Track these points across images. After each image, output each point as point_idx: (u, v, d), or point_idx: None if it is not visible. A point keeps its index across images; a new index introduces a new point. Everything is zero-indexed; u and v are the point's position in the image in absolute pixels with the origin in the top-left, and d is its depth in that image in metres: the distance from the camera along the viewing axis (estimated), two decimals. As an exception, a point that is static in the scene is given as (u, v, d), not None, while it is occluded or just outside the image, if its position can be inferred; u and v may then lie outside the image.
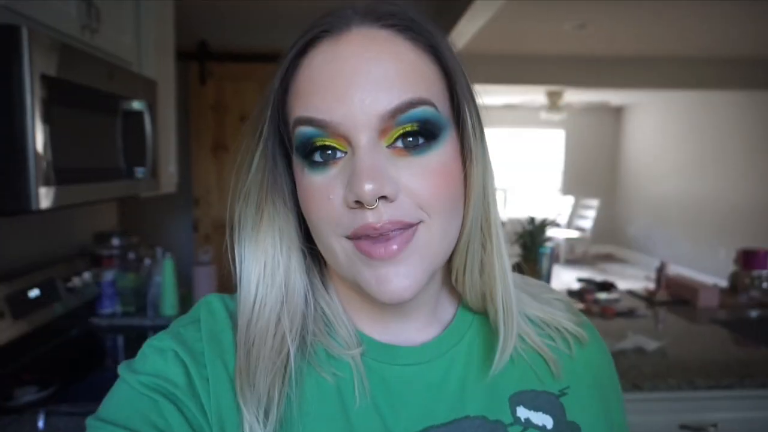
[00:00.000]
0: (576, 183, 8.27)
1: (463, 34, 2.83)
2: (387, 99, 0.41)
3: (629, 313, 2.01)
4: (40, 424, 1.11)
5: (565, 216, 7.87)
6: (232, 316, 0.48)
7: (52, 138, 1.13)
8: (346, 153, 0.43)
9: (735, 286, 2.28)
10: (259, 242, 0.47)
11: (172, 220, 3.40)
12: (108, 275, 1.92)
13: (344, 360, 0.48)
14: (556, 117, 6.10)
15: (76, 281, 1.75)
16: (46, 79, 1.11)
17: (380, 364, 0.49)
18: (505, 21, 3.39)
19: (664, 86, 5.03)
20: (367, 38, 0.43)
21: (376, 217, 0.41)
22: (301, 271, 0.48)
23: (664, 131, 7.22)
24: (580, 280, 2.34)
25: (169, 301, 1.96)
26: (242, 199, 0.47)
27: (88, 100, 1.31)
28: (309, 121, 0.42)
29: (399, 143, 0.43)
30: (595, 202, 7.69)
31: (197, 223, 3.48)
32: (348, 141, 0.42)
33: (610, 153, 8.31)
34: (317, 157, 0.43)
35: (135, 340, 1.86)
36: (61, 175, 1.17)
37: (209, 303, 0.49)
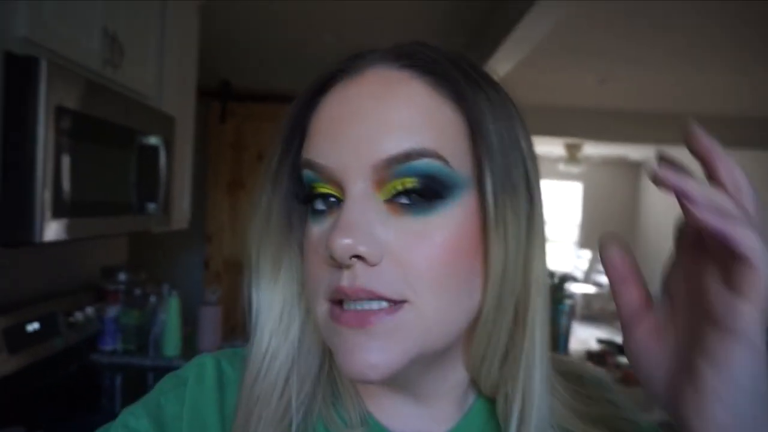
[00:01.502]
0: (593, 237, 8.15)
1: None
2: (385, 146, 0.36)
3: (653, 379, 1.89)
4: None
5: (581, 270, 7.72)
6: (223, 385, 0.44)
7: (63, 170, 1.11)
8: (342, 201, 0.38)
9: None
10: (276, 291, 0.42)
11: (184, 257, 3.37)
12: (111, 311, 1.88)
13: None
14: (574, 170, 6.07)
15: (78, 316, 1.70)
16: (61, 112, 1.09)
17: None
18: (526, 71, 3.40)
19: (682, 143, 4.98)
20: (380, 79, 0.38)
21: (350, 280, 0.35)
22: (317, 328, 0.42)
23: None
24: (600, 341, 2.23)
25: (171, 341, 1.90)
26: (259, 240, 0.43)
27: (104, 134, 1.30)
28: (308, 164, 0.39)
29: (398, 199, 0.37)
30: (613, 257, 7.54)
31: (208, 260, 3.45)
32: (344, 190, 0.37)
33: (628, 208, 8.22)
34: (318, 205, 0.39)
35: (134, 380, 1.79)
36: (69, 208, 1.15)
37: (202, 366, 0.45)
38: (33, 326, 1.48)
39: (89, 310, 1.77)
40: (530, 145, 0.41)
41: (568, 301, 1.93)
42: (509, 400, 0.41)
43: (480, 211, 0.38)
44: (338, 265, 0.36)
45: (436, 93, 0.38)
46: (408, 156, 0.36)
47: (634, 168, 8.19)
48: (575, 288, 7.01)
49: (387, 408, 0.44)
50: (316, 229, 0.39)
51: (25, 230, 1.05)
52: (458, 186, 0.37)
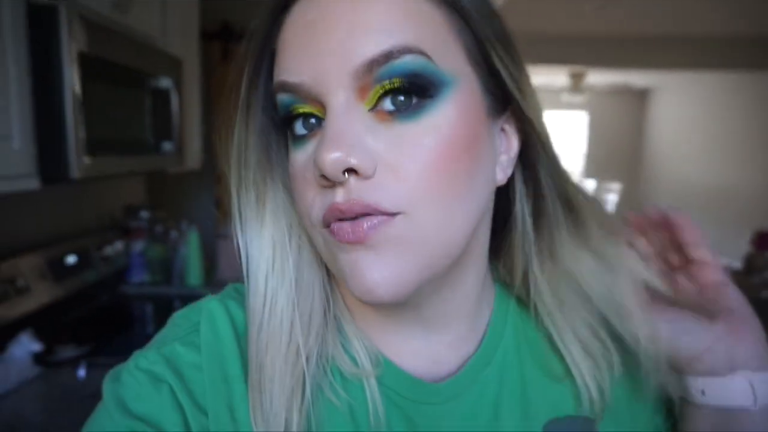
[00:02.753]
0: (598, 166, 8.19)
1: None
2: (360, 49, 0.33)
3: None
4: (81, 373, 1.21)
5: (585, 199, 7.81)
6: (238, 330, 0.41)
7: (87, 111, 1.21)
8: (324, 119, 0.35)
9: (749, 267, 2.29)
10: (264, 233, 0.40)
11: (196, 197, 3.49)
12: (137, 246, 2.02)
13: (357, 383, 0.40)
14: (578, 99, 6.04)
15: (108, 250, 1.85)
16: (81, 56, 1.18)
17: (404, 399, 0.41)
18: (522, 1, 3.37)
19: (689, 67, 4.94)
20: None
21: (345, 195, 0.34)
22: (313, 265, 0.41)
23: (689, 114, 7.09)
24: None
25: (194, 272, 2.05)
26: (238, 181, 0.40)
27: (119, 77, 1.38)
28: (282, 86, 0.36)
29: (384, 105, 0.34)
30: (617, 186, 7.62)
31: (219, 200, 3.57)
32: (325, 107, 0.34)
33: (633, 136, 8.20)
34: (298, 129, 0.37)
35: (162, 308, 1.96)
36: (98, 147, 1.25)
37: (212, 316, 0.41)
38: (71, 259, 1.63)
39: (118, 245, 1.92)
40: (504, 27, 0.39)
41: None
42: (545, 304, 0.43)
43: (474, 108, 0.36)
44: (330, 184, 0.34)
45: None
46: (389, 56, 0.33)
47: (638, 95, 8.11)
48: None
49: (396, 344, 0.42)
50: (300, 155, 0.36)
51: (63, 167, 1.16)
52: (445, 84, 0.34)
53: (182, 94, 1.79)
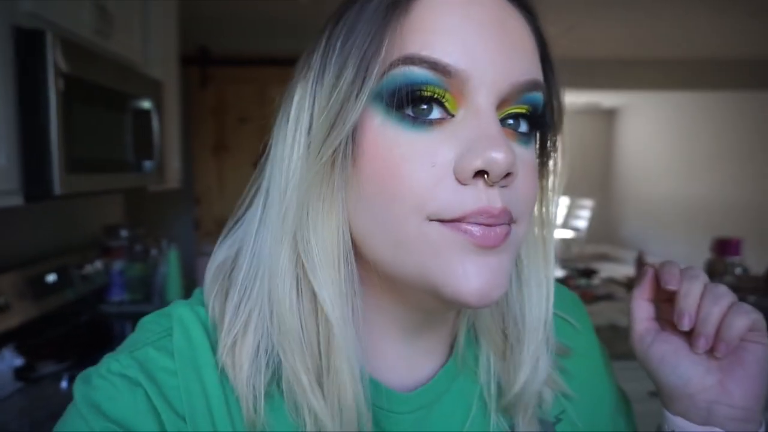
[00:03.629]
0: (570, 183, 8.32)
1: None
2: (520, 69, 0.35)
3: (607, 297, 2.13)
4: (65, 384, 1.23)
5: (560, 217, 7.96)
6: (210, 337, 0.39)
7: (70, 130, 1.26)
8: (453, 116, 0.34)
9: (710, 272, 2.40)
10: (330, 224, 0.37)
11: (175, 218, 3.52)
12: (117, 265, 2.04)
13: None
14: (548, 119, 6.22)
15: (88, 269, 1.87)
16: (65, 78, 1.23)
17: (377, 409, 0.40)
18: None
19: (654, 88, 5.15)
20: (496, 0, 0.36)
21: (494, 199, 0.33)
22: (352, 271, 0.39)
23: (656, 132, 7.36)
24: (564, 267, 2.46)
25: (173, 290, 2.08)
26: (306, 184, 0.36)
27: (102, 98, 1.43)
28: (428, 63, 0.33)
29: (508, 122, 0.36)
30: (589, 203, 7.82)
31: (199, 221, 3.60)
32: (467, 100, 0.34)
33: (603, 154, 8.45)
34: (411, 112, 0.34)
35: (142, 326, 1.97)
36: (80, 164, 1.30)
37: (183, 322, 0.39)
38: (51, 277, 1.65)
39: (98, 264, 1.94)
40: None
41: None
42: (524, 315, 0.43)
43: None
44: (474, 184, 0.33)
45: (531, 29, 0.38)
46: (533, 86, 0.35)
47: (607, 115, 8.39)
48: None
49: (377, 351, 0.41)
50: (418, 136, 0.34)
51: (45, 184, 1.20)
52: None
53: (162, 116, 1.84)
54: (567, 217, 8.05)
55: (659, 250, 6.95)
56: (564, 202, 8.09)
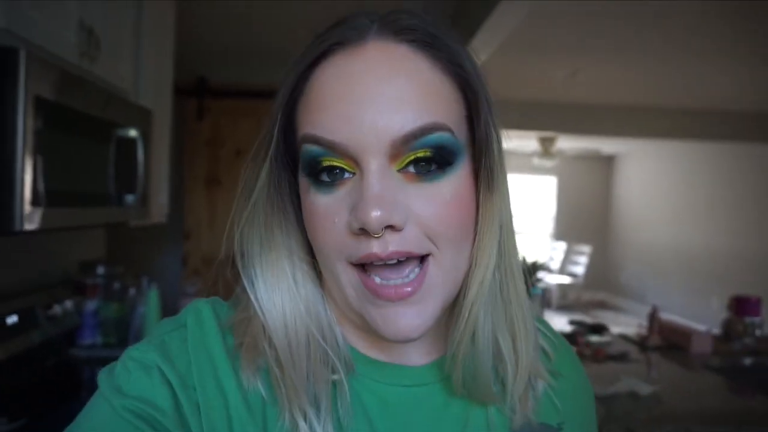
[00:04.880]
0: (568, 229, 8.31)
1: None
2: (401, 123, 0.38)
3: (621, 357, 1.97)
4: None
5: (557, 261, 7.87)
6: (222, 325, 0.45)
7: (41, 160, 1.13)
8: (354, 174, 0.40)
9: (728, 332, 2.25)
10: (272, 261, 0.44)
11: (161, 253, 3.36)
12: (90, 305, 1.88)
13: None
14: (548, 163, 6.18)
15: (56, 309, 1.70)
16: (40, 101, 1.11)
17: (378, 384, 0.46)
18: (498, 66, 3.47)
19: (656, 136, 5.13)
20: (384, 54, 0.40)
21: (382, 247, 0.39)
22: (315, 282, 0.46)
23: (655, 180, 7.32)
24: (572, 322, 2.31)
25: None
26: (244, 219, 0.45)
27: (82, 125, 1.31)
28: (315, 140, 0.40)
29: (411, 168, 0.40)
30: (587, 249, 7.71)
31: (187, 257, 3.44)
32: (356, 163, 0.39)
33: (602, 200, 8.40)
34: (324, 177, 0.41)
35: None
36: (49, 197, 1.16)
37: (198, 310, 0.45)
38: (12, 319, 1.48)
39: (68, 304, 1.77)
40: (491, 103, 0.45)
41: (540, 285, 2.00)
42: (513, 330, 0.47)
43: (472, 170, 0.43)
44: (366, 235, 0.38)
45: (436, 66, 0.41)
46: (423, 131, 0.39)
47: (606, 161, 8.38)
48: (551, 279, 7.15)
49: (375, 345, 0.47)
50: (325, 199, 0.41)
51: (6, 219, 1.06)
52: (460, 152, 0.41)
53: (151, 146, 1.72)
54: (564, 263, 7.92)
55: (658, 299, 6.80)
56: (561, 247, 7.98)
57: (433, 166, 0.40)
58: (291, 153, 0.44)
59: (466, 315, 0.44)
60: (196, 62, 3.24)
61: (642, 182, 7.63)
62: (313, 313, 0.45)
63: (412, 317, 0.40)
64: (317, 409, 0.42)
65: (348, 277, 0.41)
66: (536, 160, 6.27)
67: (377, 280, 0.40)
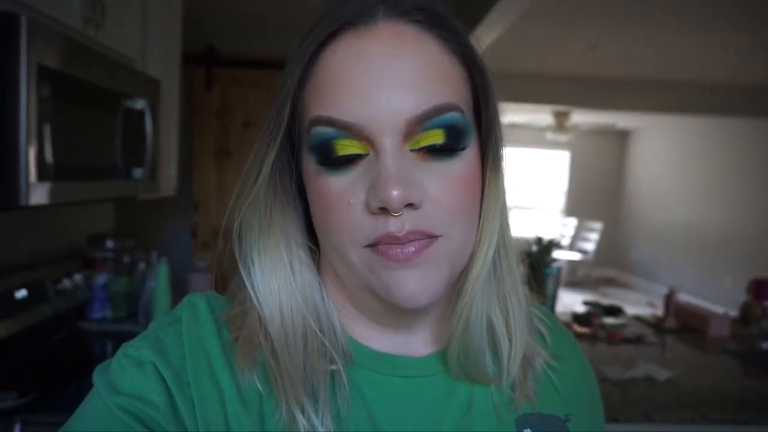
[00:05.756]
0: (579, 205, 8.23)
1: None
2: (415, 103, 0.39)
3: (637, 340, 1.94)
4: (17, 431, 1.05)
5: (567, 238, 7.82)
6: (217, 319, 0.45)
7: (46, 132, 1.08)
8: (367, 155, 0.40)
9: (746, 316, 2.21)
10: (270, 248, 0.44)
11: (171, 225, 3.34)
12: (100, 278, 1.86)
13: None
14: (562, 138, 6.07)
15: (66, 283, 1.69)
16: (44, 71, 1.06)
17: (378, 374, 0.45)
18: (514, 38, 3.37)
19: (672, 111, 5.00)
20: (394, 34, 0.40)
21: (399, 225, 0.39)
22: (313, 270, 0.46)
23: (670, 156, 7.19)
24: (586, 303, 2.27)
25: (161, 308, 1.89)
26: (247, 204, 0.44)
27: (88, 96, 1.26)
28: (330, 122, 0.40)
29: (424, 148, 0.40)
30: (598, 225, 7.64)
31: (196, 229, 3.42)
32: (371, 143, 0.39)
33: (614, 176, 8.28)
34: (335, 158, 0.40)
35: (124, 347, 1.79)
36: (55, 171, 1.12)
37: (193, 303, 0.46)
38: (21, 293, 1.46)
39: (77, 278, 1.76)
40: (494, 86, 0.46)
41: (555, 265, 1.96)
42: (507, 313, 0.48)
43: (479, 150, 0.44)
44: (384, 214, 0.39)
45: (445, 47, 0.41)
46: (436, 111, 0.39)
47: (621, 136, 8.23)
48: (561, 255, 7.10)
49: (376, 335, 0.47)
50: (339, 180, 0.40)
51: (11, 194, 1.03)
52: (469, 132, 0.42)
53: (159, 117, 1.67)
54: (574, 239, 7.86)
55: (669, 277, 6.75)
56: (572, 223, 7.91)
57: (446, 146, 0.40)
58: (292, 137, 0.44)
59: (468, 292, 0.45)
60: (205, 30, 3.16)
61: (656, 158, 7.50)
62: (311, 303, 0.45)
63: (418, 280, 0.40)
64: (315, 401, 0.41)
65: (359, 255, 0.41)
66: (550, 135, 6.16)
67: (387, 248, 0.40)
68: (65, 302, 1.68)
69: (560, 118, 5.87)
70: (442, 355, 0.47)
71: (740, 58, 3.84)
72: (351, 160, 0.40)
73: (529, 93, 4.70)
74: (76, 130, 1.22)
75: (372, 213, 0.39)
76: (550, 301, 2.00)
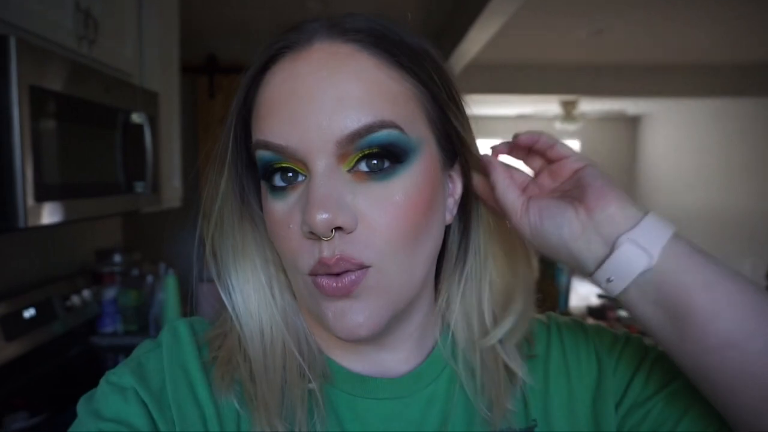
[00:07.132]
0: (592, 194, 8.13)
1: (475, 42, 2.77)
2: (344, 123, 0.38)
3: (654, 332, 1.90)
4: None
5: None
6: (199, 340, 0.45)
7: (43, 152, 1.08)
8: (306, 177, 0.40)
9: (766, 302, 2.15)
10: (247, 270, 0.45)
11: (176, 238, 3.35)
12: (109, 293, 1.87)
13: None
14: (570, 127, 6.00)
15: (75, 299, 1.69)
16: (36, 91, 1.05)
17: (352, 397, 0.45)
18: (518, 29, 3.32)
19: (682, 95, 4.90)
20: (328, 54, 0.39)
21: (330, 250, 0.38)
22: (291, 291, 0.46)
23: (682, 141, 7.07)
24: (600, 296, 2.23)
25: (171, 318, 1.90)
26: (215, 228, 0.45)
27: (84, 113, 1.26)
28: (266, 145, 0.40)
29: (362, 166, 0.39)
30: (612, 214, 7.54)
31: (204, 238, 3.43)
32: (305, 166, 0.39)
33: (626, 164, 8.17)
34: (278, 181, 0.41)
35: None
36: (53, 191, 1.12)
37: (174, 328, 0.46)
38: (29, 312, 1.47)
39: (86, 294, 1.76)
40: (460, 100, 0.46)
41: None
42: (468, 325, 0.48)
43: (433, 166, 0.42)
44: (317, 238, 0.38)
45: (382, 64, 0.40)
46: (369, 129, 0.38)
47: (631, 123, 8.11)
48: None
49: (350, 355, 0.47)
50: (280, 205, 0.40)
51: (9, 217, 1.02)
52: (413, 150, 0.40)
53: (159, 129, 1.67)
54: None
55: (687, 263, 6.64)
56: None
57: (385, 164, 0.39)
58: (254, 160, 0.44)
59: (443, 306, 0.48)
60: (204, 40, 3.16)
61: (669, 143, 7.38)
62: (290, 324, 0.45)
63: (357, 313, 0.39)
64: (291, 421, 0.42)
65: (303, 280, 0.41)
66: (558, 125, 6.08)
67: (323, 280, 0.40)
68: (76, 318, 1.69)
69: (568, 107, 5.79)
70: (417, 375, 0.47)
71: (751, 36, 3.75)
72: (291, 183, 0.40)
73: (536, 84, 4.64)
74: (74, 147, 1.22)
75: (306, 238, 0.39)
76: (564, 295, 1.97)
